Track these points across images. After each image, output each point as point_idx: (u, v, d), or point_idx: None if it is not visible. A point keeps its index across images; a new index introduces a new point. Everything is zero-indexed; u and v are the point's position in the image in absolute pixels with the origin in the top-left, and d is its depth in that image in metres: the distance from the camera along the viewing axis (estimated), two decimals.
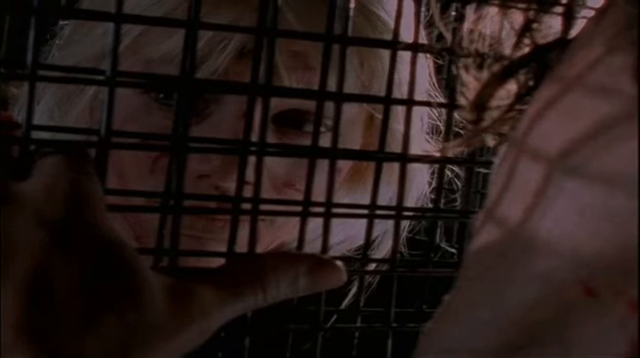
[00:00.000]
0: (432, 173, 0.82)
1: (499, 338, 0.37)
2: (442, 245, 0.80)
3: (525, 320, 0.36)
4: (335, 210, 0.54)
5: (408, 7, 0.55)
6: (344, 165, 0.81)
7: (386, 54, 0.54)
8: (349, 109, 0.77)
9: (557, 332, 0.35)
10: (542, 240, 0.37)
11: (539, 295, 0.36)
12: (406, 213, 0.57)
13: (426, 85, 0.79)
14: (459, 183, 0.80)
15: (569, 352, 0.35)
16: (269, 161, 0.57)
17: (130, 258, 0.45)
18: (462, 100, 0.48)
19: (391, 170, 0.58)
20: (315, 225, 0.55)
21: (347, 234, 0.76)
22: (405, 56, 0.55)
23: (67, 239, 0.43)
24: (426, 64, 0.79)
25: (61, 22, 0.81)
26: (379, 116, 0.67)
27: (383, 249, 0.80)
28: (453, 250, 0.80)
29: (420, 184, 0.84)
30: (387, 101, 0.56)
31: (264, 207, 0.53)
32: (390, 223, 0.57)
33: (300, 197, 0.53)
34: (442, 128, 0.59)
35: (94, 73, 0.51)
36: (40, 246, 0.42)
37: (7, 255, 0.42)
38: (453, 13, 0.52)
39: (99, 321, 0.42)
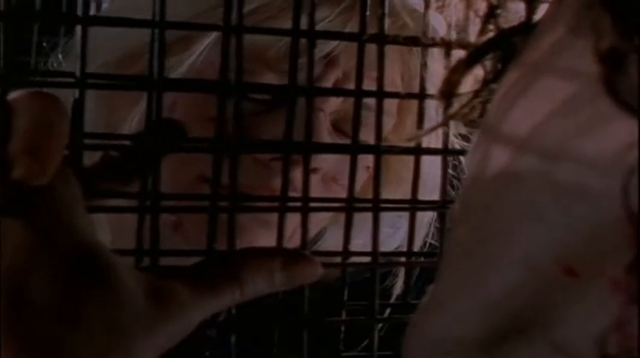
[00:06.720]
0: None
1: (484, 326, 0.37)
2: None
3: (509, 306, 0.36)
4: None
5: None
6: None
7: (419, 51, 0.56)
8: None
9: (542, 315, 0.35)
10: (519, 224, 0.37)
11: (520, 279, 0.36)
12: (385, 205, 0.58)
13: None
14: None
15: (552, 334, 0.35)
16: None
17: (105, 259, 0.45)
18: (431, 89, 0.49)
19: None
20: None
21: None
22: (435, 52, 0.56)
23: (43, 242, 0.43)
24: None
25: None
26: None
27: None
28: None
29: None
30: (358, 94, 0.56)
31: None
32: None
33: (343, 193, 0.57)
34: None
35: (63, 76, 0.52)
36: (17, 249, 0.42)
37: None
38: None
39: (79, 318, 0.42)
